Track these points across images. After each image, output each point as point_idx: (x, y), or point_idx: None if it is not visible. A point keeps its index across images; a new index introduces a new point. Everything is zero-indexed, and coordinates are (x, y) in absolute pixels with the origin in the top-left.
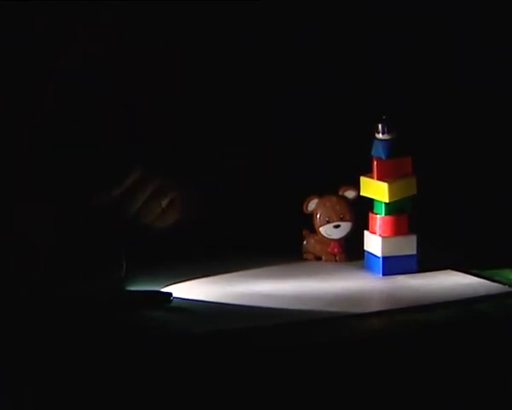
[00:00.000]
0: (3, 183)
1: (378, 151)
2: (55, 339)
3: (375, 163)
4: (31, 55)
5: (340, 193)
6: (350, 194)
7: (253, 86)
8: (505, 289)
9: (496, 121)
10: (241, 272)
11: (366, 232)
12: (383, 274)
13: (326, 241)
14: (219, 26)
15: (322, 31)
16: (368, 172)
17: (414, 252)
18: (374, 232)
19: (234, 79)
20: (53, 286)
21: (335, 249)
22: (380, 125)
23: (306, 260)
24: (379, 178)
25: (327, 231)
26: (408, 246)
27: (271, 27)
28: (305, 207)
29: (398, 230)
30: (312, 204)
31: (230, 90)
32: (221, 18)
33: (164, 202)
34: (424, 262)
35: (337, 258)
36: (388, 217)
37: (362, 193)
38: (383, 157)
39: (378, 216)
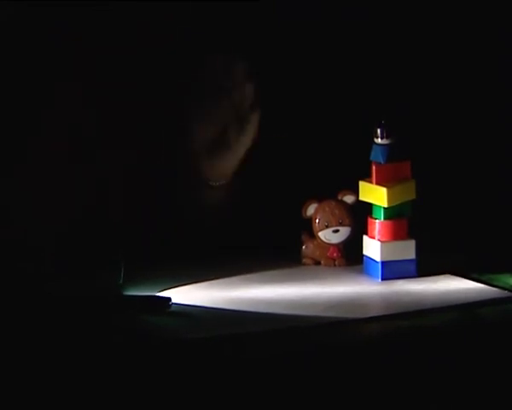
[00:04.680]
0: (3, 182)
1: (377, 156)
2: (52, 342)
3: (373, 168)
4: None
5: (339, 198)
6: (349, 198)
7: (252, 89)
8: (504, 294)
9: (495, 125)
10: (239, 277)
11: (365, 237)
12: (382, 279)
13: (325, 246)
14: (218, 27)
15: (321, 34)
16: (367, 177)
17: (413, 257)
18: (373, 237)
19: (235, 81)
20: (52, 288)
21: (334, 254)
22: (378, 130)
23: (305, 264)
24: (378, 183)
25: (326, 235)
26: (407, 251)
27: (271, 29)
28: (304, 212)
29: (397, 234)
30: (311, 209)
31: (230, 92)
32: (218, 19)
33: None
34: (423, 267)
35: (336, 263)
36: (387, 222)
37: (361, 198)
38: (382, 162)
39: (377, 221)
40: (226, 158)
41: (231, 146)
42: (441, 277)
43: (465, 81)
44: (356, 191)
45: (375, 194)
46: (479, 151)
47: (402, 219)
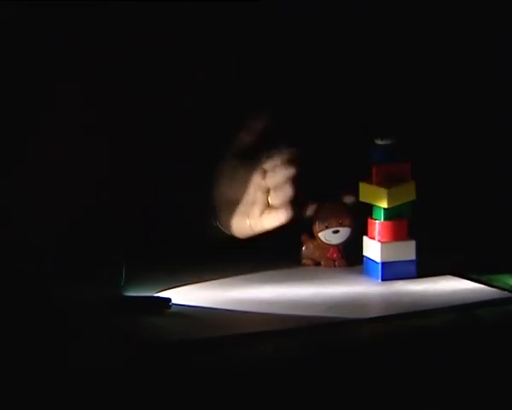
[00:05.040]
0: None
1: (377, 157)
2: (51, 343)
3: (374, 169)
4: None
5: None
6: (349, 199)
7: (252, 91)
8: (504, 294)
9: (495, 126)
10: (239, 277)
11: (365, 238)
12: (382, 280)
13: (325, 246)
14: (216, 29)
15: (320, 34)
16: (367, 178)
17: (413, 257)
18: (373, 238)
19: (236, 83)
20: (52, 288)
21: (334, 255)
22: None
23: (305, 265)
24: (378, 184)
25: (326, 236)
26: (407, 251)
27: (270, 28)
28: (303, 213)
29: (397, 235)
30: (311, 209)
31: (232, 95)
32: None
33: None
34: (423, 267)
35: (336, 263)
36: (387, 222)
37: (361, 198)
38: (382, 163)
39: (377, 221)
40: (244, 226)
41: (251, 221)
42: (441, 277)
43: (465, 81)
44: (356, 192)
45: (375, 195)
46: (479, 151)
47: (402, 219)
